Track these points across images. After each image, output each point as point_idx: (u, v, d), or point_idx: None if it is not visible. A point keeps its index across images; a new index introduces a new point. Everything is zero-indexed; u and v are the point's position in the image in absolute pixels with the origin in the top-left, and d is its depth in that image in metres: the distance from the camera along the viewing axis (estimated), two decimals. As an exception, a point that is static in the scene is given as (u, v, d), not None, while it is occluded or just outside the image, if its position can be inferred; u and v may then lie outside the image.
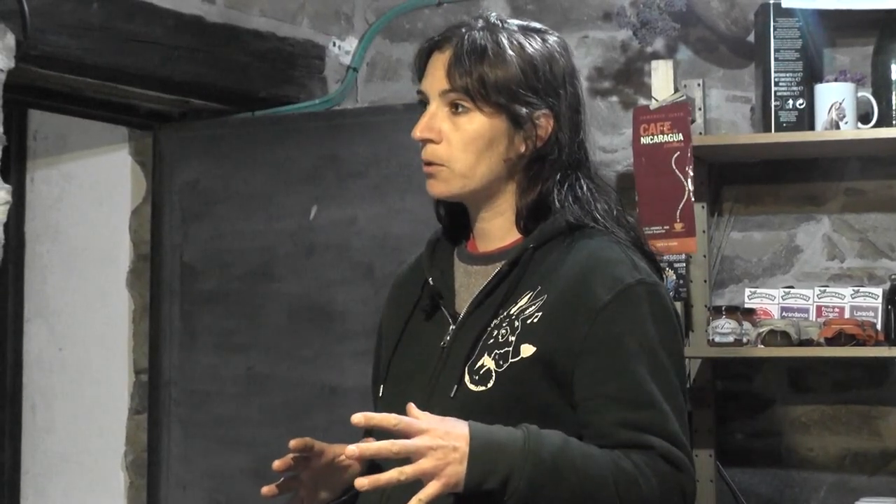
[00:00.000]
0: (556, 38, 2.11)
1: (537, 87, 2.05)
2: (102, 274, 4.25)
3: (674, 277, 3.48)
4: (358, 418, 1.87)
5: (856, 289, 3.52)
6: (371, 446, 1.87)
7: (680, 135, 3.47)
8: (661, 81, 3.54)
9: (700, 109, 3.67)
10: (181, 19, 3.67)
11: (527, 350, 1.98)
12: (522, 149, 2.06)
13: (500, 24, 2.07)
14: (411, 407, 1.90)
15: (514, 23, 2.09)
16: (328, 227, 3.86)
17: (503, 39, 2.04)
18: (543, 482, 1.88)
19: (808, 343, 3.43)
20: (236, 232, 3.97)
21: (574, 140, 2.08)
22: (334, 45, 4.13)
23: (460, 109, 2.05)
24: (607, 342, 1.97)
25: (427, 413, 1.90)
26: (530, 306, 2.01)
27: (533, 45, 2.06)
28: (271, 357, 3.90)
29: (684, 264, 3.50)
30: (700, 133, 3.63)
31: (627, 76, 3.91)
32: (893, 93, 3.47)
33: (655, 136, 3.49)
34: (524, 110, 2.04)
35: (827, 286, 3.58)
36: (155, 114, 4.06)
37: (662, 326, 2.01)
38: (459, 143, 2.05)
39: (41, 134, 4.33)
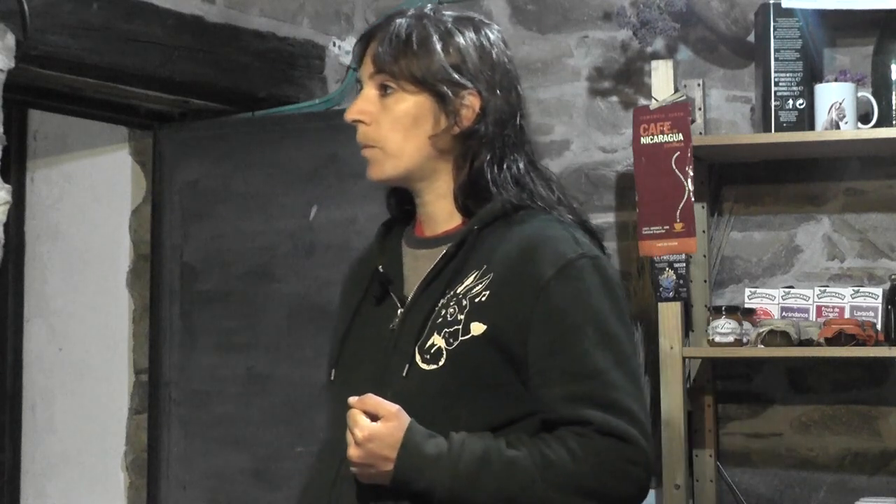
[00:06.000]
0: (490, 29, 2.18)
1: (462, 68, 2.11)
2: (102, 274, 4.25)
3: (674, 277, 3.48)
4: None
5: (856, 289, 3.52)
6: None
7: (680, 135, 3.47)
8: (661, 81, 3.54)
9: (700, 109, 3.67)
10: (181, 19, 3.67)
11: (477, 328, 2.04)
12: (448, 126, 2.11)
13: (432, 13, 2.15)
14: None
15: (449, 13, 2.17)
16: (328, 227, 3.86)
17: (429, 25, 2.12)
18: (463, 492, 1.98)
19: (808, 343, 3.43)
20: (236, 232, 3.97)
21: (507, 121, 2.13)
22: (334, 45, 4.13)
23: (388, 91, 2.12)
24: (553, 317, 2.03)
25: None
26: (477, 285, 2.07)
27: (461, 31, 2.13)
28: (271, 357, 3.90)
29: (684, 264, 3.50)
30: (700, 133, 3.63)
31: (627, 76, 3.91)
32: (893, 93, 3.46)
33: (655, 136, 3.49)
34: (447, 89, 2.10)
35: (827, 286, 3.58)
36: (155, 114, 4.06)
37: (608, 296, 2.07)
38: (387, 123, 2.12)
39: (41, 134, 4.33)
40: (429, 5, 2.19)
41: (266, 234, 3.94)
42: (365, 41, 2.16)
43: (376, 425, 1.98)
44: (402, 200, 2.25)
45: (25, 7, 3.20)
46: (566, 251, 2.06)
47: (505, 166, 2.12)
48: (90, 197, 4.27)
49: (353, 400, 2.01)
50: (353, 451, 1.99)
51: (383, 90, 2.13)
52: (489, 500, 1.99)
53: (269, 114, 4.00)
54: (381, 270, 2.17)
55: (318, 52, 4.07)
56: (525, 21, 4.03)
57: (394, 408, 1.99)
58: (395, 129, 2.12)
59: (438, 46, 2.10)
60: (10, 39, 3.21)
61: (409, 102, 2.11)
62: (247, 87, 3.90)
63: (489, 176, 2.11)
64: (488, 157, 2.11)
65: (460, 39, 2.12)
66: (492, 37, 2.16)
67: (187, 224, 4.03)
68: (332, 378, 2.19)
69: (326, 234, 3.87)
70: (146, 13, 3.56)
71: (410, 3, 4.09)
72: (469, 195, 2.13)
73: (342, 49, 4.14)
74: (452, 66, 2.10)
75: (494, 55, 2.14)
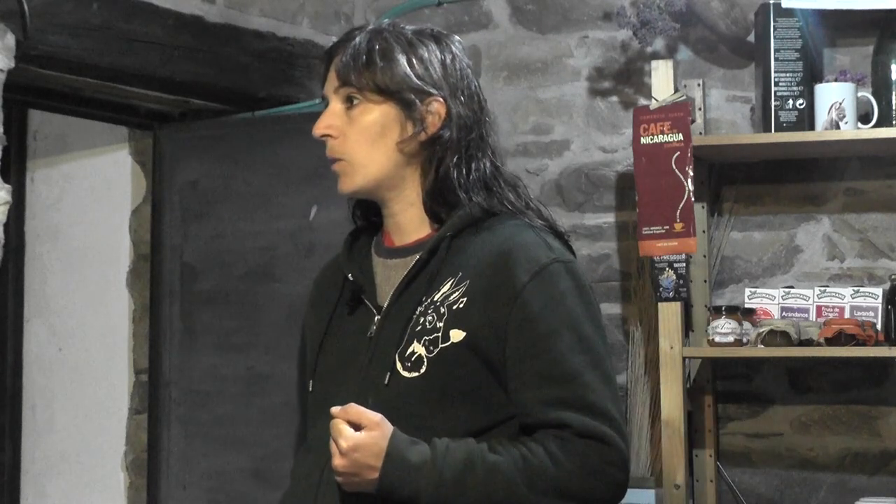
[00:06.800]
0: (450, 40, 2.21)
1: (425, 76, 2.14)
2: (102, 274, 4.25)
3: (674, 277, 3.48)
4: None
5: (856, 289, 3.52)
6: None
7: (680, 135, 3.47)
8: (661, 81, 3.54)
9: (700, 109, 3.67)
10: (181, 19, 3.67)
11: (457, 335, 2.07)
12: (415, 133, 2.14)
13: (392, 28, 2.19)
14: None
15: (409, 27, 2.20)
16: (328, 227, 3.86)
17: (390, 37, 2.16)
18: (447, 498, 2.00)
19: (808, 343, 3.43)
20: (236, 232, 3.97)
21: (471, 127, 2.16)
22: (334, 45, 4.12)
23: (354, 103, 2.15)
24: (529, 322, 2.06)
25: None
26: (454, 292, 2.09)
27: (422, 42, 2.17)
28: (271, 357, 3.90)
29: (684, 264, 3.50)
30: (700, 133, 3.63)
31: (627, 76, 3.91)
32: (893, 93, 3.47)
33: (655, 136, 3.49)
34: (413, 96, 2.13)
35: (827, 286, 3.57)
36: (155, 114, 4.06)
37: (582, 300, 2.10)
38: (354, 135, 2.15)
39: (41, 134, 4.33)
40: (385, 20, 2.22)
41: (266, 234, 3.94)
42: (328, 59, 2.19)
43: (360, 435, 1.99)
44: (367, 212, 2.27)
45: (25, 7, 3.20)
46: (540, 256, 2.09)
47: (473, 168, 2.15)
48: (90, 197, 4.27)
49: (335, 410, 2.02)
50: (337, 461, 2.00)
51: (349, 103, 2.15)
52: None
53: (269, 114, 4.00)
54: (351, 279, 2.19)
55: (317, 52, 4.06)
56: (525, 21, 4.04)
57: (376, 417, 2.00)
58: (363, 140, 2.14)
59: (402, 57, 2.14)
60: (10, 39, 3.21)
61: (375, 112, 2.14)
62: (247, 87, 3.90)
63: (456, 180, 2.14)
64: (454, 161, 2.14)
65: (422, 50, 2.16)
66: (452, 47, 2.19)
67: (187, 224, 4.02)
68: (311, 390, 2.22)
69: (326, 234, 3.86)
70: (146, 13, 3.56)
71: (412, 4, 4.09)
72: (437, 200, 2.15)
73: (342, 49, 4.13)
74: (416, 75, 2.13)
75: (456, 64, 2.18)
